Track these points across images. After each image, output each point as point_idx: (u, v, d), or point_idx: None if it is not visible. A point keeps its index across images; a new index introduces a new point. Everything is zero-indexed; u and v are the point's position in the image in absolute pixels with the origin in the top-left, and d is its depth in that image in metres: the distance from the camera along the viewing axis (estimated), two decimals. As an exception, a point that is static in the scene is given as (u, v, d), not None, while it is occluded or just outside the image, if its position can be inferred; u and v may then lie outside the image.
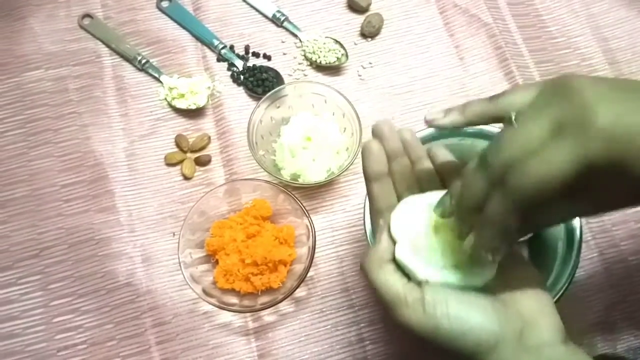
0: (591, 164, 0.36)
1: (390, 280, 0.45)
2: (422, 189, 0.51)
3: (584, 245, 0.65)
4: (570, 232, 0.65)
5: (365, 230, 0.66)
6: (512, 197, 0.38)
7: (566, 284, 0.63)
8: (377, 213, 0.51)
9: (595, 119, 0.35)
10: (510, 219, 0.40)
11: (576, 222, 0.65)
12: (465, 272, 0.45)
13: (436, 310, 0.43)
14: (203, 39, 0.90)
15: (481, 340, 0.43)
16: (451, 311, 0.43)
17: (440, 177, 0.51)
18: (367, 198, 0.66)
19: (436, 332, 0.43)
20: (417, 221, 0.47)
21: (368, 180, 0.51)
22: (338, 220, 0.79)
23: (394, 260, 0.47)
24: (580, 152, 0.36)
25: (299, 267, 0.72)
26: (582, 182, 0.36)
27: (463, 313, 0.43)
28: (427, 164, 0.51)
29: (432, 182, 0.51)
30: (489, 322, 0.43)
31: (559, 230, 0.66)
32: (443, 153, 0.52)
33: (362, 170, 0.51)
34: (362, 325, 0.74)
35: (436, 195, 0.48)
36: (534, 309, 0.46)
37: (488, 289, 0.46)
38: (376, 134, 0.51)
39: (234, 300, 0.71)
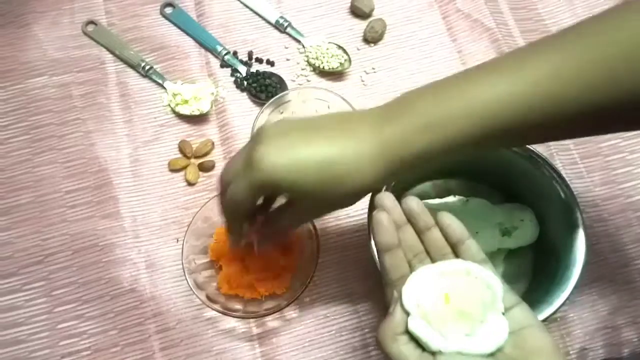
0: (259, 187, 0.52)
1: (404, 352, 0.46)
2: (431, 257, 0.51)
3: (587, 250, 0.65)
4: (575, 236, 0.65)
5: (370, 237, 0.66)
6: (224, 206, 0.58)
7: (570, 289, 0.63)
8: (390, 284, 0.51)
9: (258, 162, 0.51)
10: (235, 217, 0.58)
11: (580, 226, 0.65)
12: (477, 339, 0.46)
13: None
14: (206, 45, 0.91)
15: None
16: None
17: (450, 244, 0.51)
18: (370, 204, 0.66)
19: None
20: (428, 292, 0.48)
21: (380, 252, 0.51)
22: (342, 225, 0.79)
23: (408, 332, 0.47)
24: (251, 180, 0.52)
25: (303, 273, 0.72)
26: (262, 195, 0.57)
27: None
28: (435, 233, 0.52)
29: (442, 250, 0.51)
30: None
31: (564, 235, 0.66)
32: (451, 221, 0.51)
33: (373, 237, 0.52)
34: (367, 330, 0.74)
35: (446, 264, 0.49)
36: None
37: (500, 353, 0.46)
38: (378, 205, 0.51)
39: (238, 306, 0.71)
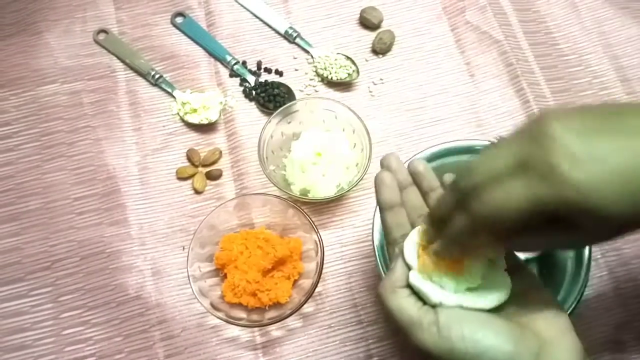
0: (549, 206, 0.38)
1: (404, 304, 0.46)
2: None
3: (593, 263, 0.65)
4: (579, 250, 0.65)
5: (374, 247, 0.66)
6: (470, 219, 0.42)
7: (575, 302, 0.63)
8: (392, 243, 0.51)
9: (557, 167, 0.37)
10: (469, 237, 0.43)
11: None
12: (478, 294, 0.46)
13: (451, 332, 0.43)
14: (216, 54, 0.92)
15: (497, 359, 0.43)
16: (466, 333, 0.43)
17: None
18: (375, 213, 0.67)
19: (452, 354, 0.43)
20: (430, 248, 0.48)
21: (382, 210, 0.51)
22: (347, 235, 0.79)
23: (409, 286, 0.47)
24: (537, 193, 0.38)
25: (307, 282, 0.72)
26: (545, 217, 0.39)
27: (478, 334, 0.43)
28: (439, 194, 0.52)
29: None
30: (505, 343, 0.43)
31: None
32: None
33: (375, 196, 0.52)
34: (371, 341, 0.74)
35: None
36: (551, 330, 0.45)
37: (503, 311, 0.46)
38: (384, 166, 0.52)
39: (242, 314, 0.71)
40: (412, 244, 0.48)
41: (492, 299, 0.46)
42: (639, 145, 0.37)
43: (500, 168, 0.40)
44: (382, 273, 0.64)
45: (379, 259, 0.65)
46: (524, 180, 0.38)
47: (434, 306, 0.45)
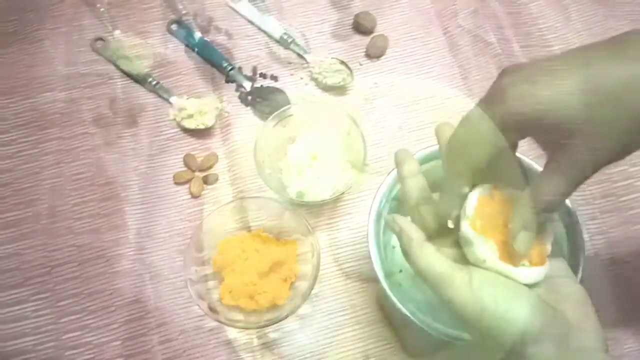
0: (507, 123, 0.44)
1: (435, 258, 0.47)
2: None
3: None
4: (574, 248, 0.65)
5: (370, 248, 0.66)
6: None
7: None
8: (414, 207, 0.53)
9: (506, 97, 0.43)
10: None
11: (580, 238, 0.65)
12: (518, 267, 0.47)
13: (483, 293, 0.44)
14: (212, 60, 0.92)
15: (526, 330, 0.43)
16: (499, 297, 0.44)
17: None
18: (370, 215, 0.67)
19: (482, 315, 0.44)
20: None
21: (403, 178, 0.54)
22: (342, 237, 0.80)
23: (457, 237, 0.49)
24: (498, 116, 0.44)
25: (303, 284, 0.73)
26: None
27: (512, 302, 0.44)
28: None
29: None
30: (536, 315, 0.44)
31: (560, 238, 0.66)
32: None
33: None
34: (368, 342, 0.74)
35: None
36: (579, 316, 0.47)
37: (533, 290, 0.47)
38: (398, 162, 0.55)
39: (239, 317, 0.72)
40: (473, 200, 0.49)
41: (529, 275, 0.47)
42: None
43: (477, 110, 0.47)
44: (379, 274, 0.64)
45: (376, 261, 0.66)
46: (492, 109, 0.45)
47: (468, 266, 0.47)
